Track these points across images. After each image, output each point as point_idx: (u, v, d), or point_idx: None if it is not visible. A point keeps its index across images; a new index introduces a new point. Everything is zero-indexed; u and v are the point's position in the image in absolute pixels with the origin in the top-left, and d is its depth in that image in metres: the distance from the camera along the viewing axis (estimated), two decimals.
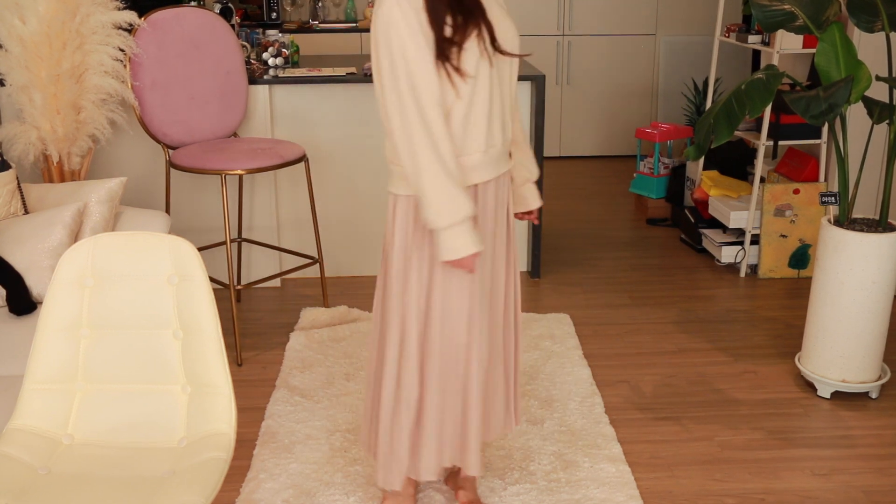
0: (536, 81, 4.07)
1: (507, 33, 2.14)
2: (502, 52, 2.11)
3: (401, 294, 2.22)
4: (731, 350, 3.55)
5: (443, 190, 2.04)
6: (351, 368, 3.36)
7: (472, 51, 2.04)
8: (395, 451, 2.29)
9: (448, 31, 2.02)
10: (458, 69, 2.04)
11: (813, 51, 4.07)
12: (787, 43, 4.13)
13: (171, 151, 3.61)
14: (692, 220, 4.67)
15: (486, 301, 2.26)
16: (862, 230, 3.03)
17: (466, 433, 2.30)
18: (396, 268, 2.22)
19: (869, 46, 3.94)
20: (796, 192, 4.18)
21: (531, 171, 2.44)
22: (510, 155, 2.29)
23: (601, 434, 2.90)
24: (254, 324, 3.82)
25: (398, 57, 2.00)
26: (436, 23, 2.01)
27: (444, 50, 2.02)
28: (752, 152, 4.64)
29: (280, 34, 4.32)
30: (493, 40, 2.08)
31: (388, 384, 2.27)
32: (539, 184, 4.14)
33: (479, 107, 2.10)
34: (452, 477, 2.60)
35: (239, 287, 3.58)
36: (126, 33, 3.44)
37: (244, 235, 4.13)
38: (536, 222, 2.56)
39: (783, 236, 4.23)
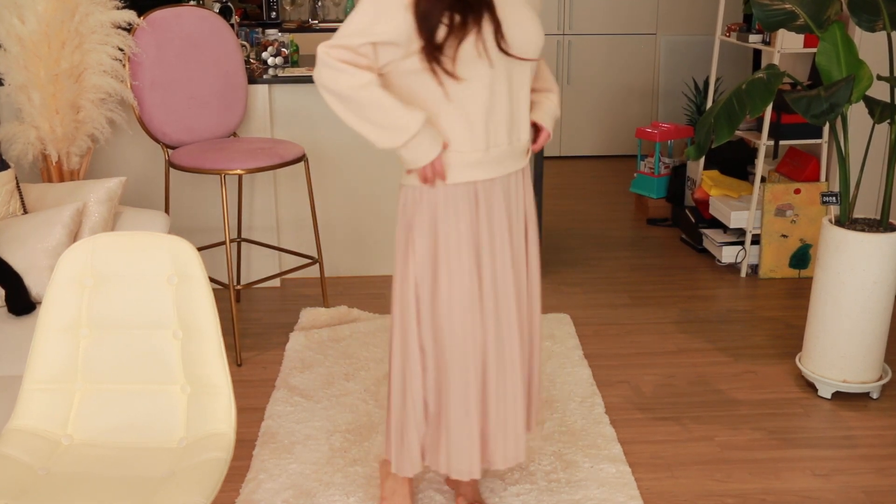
0: None
1: (524, 34, 2.04)
2: (507, 54, 2.01)
3: (414, 286, 2.19)
4: (731, 350, 3.54)
5: (386, 113, 2.00)
6: (351, 369, 3.35)
7: (468, 52, 1.95)
8: (407, 443, 2.30)
9: (442, 33, 1.94)
10: (451, 73, 1.97)
11: (814, 50, 4.06)
12: (788, 42, 4.12)
13: (170, 151, 3.61)
14: (693, 220, 4.66)
15: (490, 300, 2.19)
16: (863, 230, 3.02)
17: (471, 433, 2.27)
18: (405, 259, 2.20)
19: (870, 46, 3.93)
20: (797, 191, 4.17)
21: (552, 100, 2.27)
22: (527, 152, 2.21)
23: (601, 434, 2.90)
24: (253, 324, 3.82)
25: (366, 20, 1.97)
26: (426, 27, 1.93)
27: (435, 54, 1.95)
28: (753, 152, 4.63)
29: (279, 33, 4.31)
30: (500, 40, 1.98)
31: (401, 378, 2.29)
32: (539, 184, 4.18)
33: (475, 108, 2.03)
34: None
35: (239, 287, 3.58)
36: (125, 33, 3.43)
37: (244, 235, 4.13)
38: (535, 150, 2.25)
39: (784, 236, 4.22)
